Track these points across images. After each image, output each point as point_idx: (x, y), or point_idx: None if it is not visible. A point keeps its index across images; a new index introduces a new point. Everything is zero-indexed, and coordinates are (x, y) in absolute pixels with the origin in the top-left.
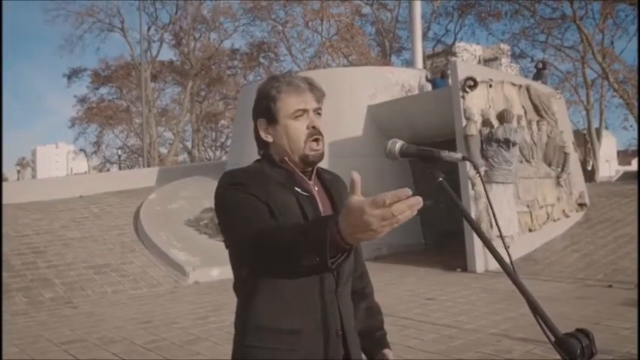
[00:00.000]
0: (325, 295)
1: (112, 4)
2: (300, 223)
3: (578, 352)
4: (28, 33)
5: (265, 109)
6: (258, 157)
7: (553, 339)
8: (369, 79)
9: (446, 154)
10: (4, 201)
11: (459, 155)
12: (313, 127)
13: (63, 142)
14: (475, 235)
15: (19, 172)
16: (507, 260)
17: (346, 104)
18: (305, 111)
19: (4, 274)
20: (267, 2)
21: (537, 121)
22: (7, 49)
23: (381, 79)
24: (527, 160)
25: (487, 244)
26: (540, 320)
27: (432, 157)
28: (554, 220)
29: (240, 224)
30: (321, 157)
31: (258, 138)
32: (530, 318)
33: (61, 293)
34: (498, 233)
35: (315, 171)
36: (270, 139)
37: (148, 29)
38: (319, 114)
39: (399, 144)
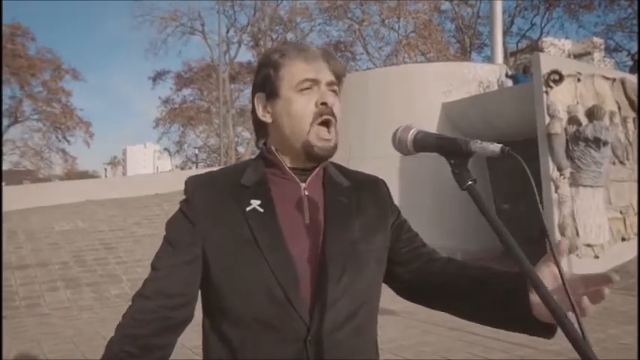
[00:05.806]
0: (287, 346)
1: (193, 9)
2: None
3: None
4: (118, 40)
5: (265, 79)
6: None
7: None
8: (444, 76)
9: (478, 145)
10: (88, 197)
11: (496, 147)
12: (323, 104)
13: (150, 142)
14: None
15: (105, 170)
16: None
17: (420, 102)
18: (315, 82)
19: (77, 268)
20: (344, 1)
21: (634, 118)
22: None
23: (456, 75)
24: (621, 162)
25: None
26: None
27: (458, 149)
28: None
29: (153, 267)
30: (331, 151)
31: (256, 121)
32: (622, 341)
33: (127, 290)
34: (585, 242)
35: (322, 170)
36: (268, 118)
37: (227, 31)
38: (335, 92)
39: (412, 132)
